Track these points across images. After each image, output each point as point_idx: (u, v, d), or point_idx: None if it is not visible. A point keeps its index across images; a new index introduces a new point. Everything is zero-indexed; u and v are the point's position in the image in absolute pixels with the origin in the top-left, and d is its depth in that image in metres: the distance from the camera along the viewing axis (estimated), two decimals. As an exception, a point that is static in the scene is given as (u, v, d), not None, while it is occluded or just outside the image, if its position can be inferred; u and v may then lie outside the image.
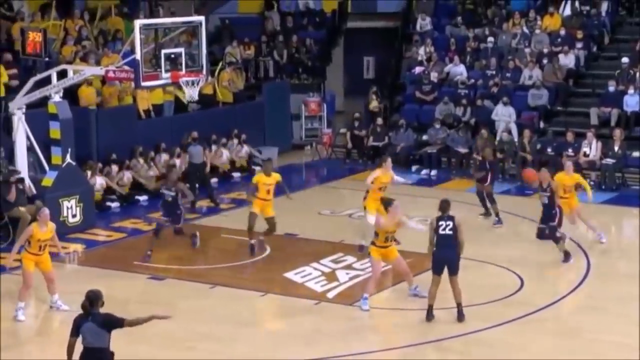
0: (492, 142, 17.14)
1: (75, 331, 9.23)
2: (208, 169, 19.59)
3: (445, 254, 12.37)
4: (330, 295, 13.65)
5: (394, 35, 26.87)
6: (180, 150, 19.82)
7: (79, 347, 9.14)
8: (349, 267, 14.79)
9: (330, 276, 14.38)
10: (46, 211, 12.90)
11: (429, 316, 12.43)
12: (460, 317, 12.41)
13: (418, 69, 24.46)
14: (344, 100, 27.43)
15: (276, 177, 15.29)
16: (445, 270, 12.39)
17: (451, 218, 12.45)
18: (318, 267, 14.74)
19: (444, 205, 12.58)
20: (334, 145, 23.63)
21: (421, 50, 24.86)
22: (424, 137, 22.53)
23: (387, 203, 13.42)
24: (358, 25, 27.32)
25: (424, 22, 25.97)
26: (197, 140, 19.29)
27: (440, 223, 12.42)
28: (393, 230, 13.03)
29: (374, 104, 23.82)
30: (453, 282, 12.42)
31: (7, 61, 19.16)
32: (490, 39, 24.49)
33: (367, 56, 28.38)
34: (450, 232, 12.36)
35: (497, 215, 17.28)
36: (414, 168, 21.86)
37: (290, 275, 14.46)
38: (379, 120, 23.00)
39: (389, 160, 15.74)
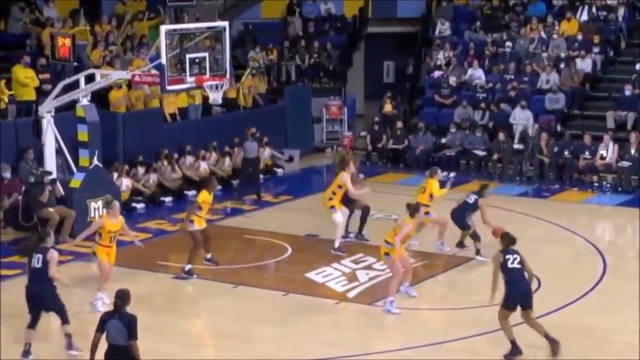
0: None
1: (101, 327, 9.31)
2: (261, 164, 20.18)
3: (521, 288, 11.29)
4: (350, 295, 13.67)
5: (413, 40, 26.87)
6: (236, 145, 20.49)
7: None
8: (369, 267, 14.81)
9: (351, 276, 14.41)
10: (116, 204, 13.27)
11: (515, 351, 11.29)
12: (554, 346, 11.26)
13: (437, 73, 24.44)
14: (364, 104, 27.47)
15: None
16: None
17: (516, 252, 11.51)
18: (338, 267, 14.76)
19: (509, 238, 11.51)
20: (354, 148, 23.63)
21: (440, 55, 24.84)
22: (443, 140, 22.51)
23: (413, 209, 13.17)
24: (378, 30, 27.34)
25: (443, 27, 25.94)
26: (254, 136, 19.49)
27: (508, 257, 11.31)
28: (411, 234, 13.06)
29: (388, 108, 23.81)
30: (528, 317, 11.37)
31: (42, 65, 19.32)
32: (509, 43, 24.43)
33: (387, 60, 28.40)
34: (519, 266, 11.32)
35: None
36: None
37: (311, 275, 14.49)
38: (399, 124, 23.01)
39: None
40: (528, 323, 11.41)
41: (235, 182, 20.28)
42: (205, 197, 14.40)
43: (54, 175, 16.59)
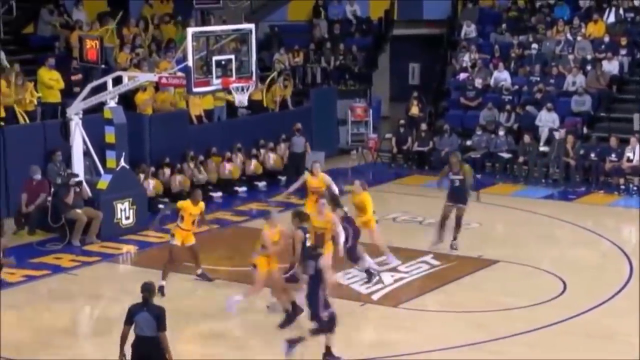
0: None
1: (129, 320, 9.40)
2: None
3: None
4: (375, 297, 13.66)
5: (439, 42, 26.81)
6: (284, 140, 20.94)
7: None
8: (393, 269, 14.77)
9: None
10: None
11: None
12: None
13: (463, 75, 24.38)
14: (389, 106, 27.45)
15: (201, 206, 13.70)
16: None
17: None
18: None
19: (304, 215, 12.56)
20: (379, 150, 23.62)
21: (466, 57, 24.77)
22: (468, 143, 22.45)
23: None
24: (404, 32, 27.31)
25: (469, 29, 25.87)
26: (300, 132, 19.60)
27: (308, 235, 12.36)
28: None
29: (414, 110, 23.77)
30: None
31: (74, 67, 19.46)
32: (535, 45, 24.32)
33: (413, 62, 28.37)
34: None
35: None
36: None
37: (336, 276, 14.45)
38: (424, 126, 22.96)
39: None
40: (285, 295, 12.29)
41: (260, 184, 20.34)
42: (186, 205, 13.46)
43: (81, 177, 16.69)
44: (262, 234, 12.62)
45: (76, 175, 16.55)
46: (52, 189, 16.50)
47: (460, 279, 14.42)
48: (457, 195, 15.58)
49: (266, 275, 12.51)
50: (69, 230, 15.96)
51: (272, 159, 20.95)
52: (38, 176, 16.60)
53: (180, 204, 13.62)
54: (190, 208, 13.49)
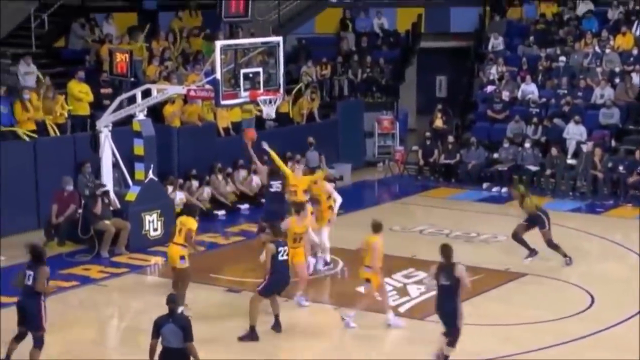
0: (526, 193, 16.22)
1: (156, 332, 9.44)
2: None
3: (283, 278, 12.30)
4: (401, 309, 13.63)
5: (466, 55, 26.75)
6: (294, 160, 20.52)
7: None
8: (420, 282, 14.72)
9: (402, 291, 14.35)
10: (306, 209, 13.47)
11: (252, 336, 12.22)
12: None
13: (490, 88, 24.30)
14: (416, 118, 27.40)
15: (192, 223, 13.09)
16: None
17: (287, 244, 12.43)
18: (390, 281, 14.69)
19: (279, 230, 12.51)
20: (406, 163, 23.57)
21: (493, 70, 24.69)
22: (495, 155, 22.35)
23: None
24: (431, 45, 27.27)
25: (496, 42, 25.80)
26: (313, 146, 19.55)
27: (280, 249, 12.26)
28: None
29: (438, 123, 23.72)
30: (274, 298, 12.50)
31: (104, 80, 19.61)
32: (562, 58, 24.19)
33: (440, 75, 28.32)
34: (287, 257, 12.30)
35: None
36: (484, 185, 21.70)
37: (362, 289, 14.42)
38: (451, 138, 22.90)
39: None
40: (272, 303, 12.46)
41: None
42: (194, 224, 13.02)
43: (110, 188, 16.77)
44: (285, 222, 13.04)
45: (103, 185, 16.66)
46: (82, 201, 16.59)
47: (487, 291, 14.34)
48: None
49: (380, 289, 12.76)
50: (97, 241, 16.06)
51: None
52: (70, 187, 16.72)
53: (191, 223, 13.06)
54: (191, 224, 13.08)
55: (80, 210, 16.55)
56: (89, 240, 16.18)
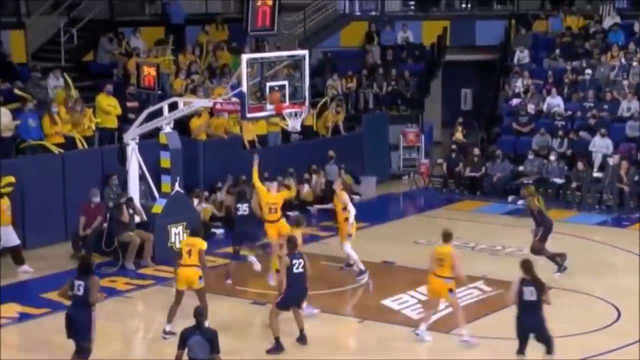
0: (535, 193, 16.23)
1: (182, 344, 9.45)
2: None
3: (298, 291, 12.26)
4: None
5: (491, 68, 26.68)
6: (314, 172, 20.79)
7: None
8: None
9: (427, 304, 14.25)
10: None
11: (278, 347, 12.22)
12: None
13: (515, 101, 24.20)
14: (441, 131, 27.34)
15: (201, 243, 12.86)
16: None
17: (302, 256, 12.26)
18: (415, 294, 14.65)
19: (294, 243, 12.34)
20: (431, 175, 23.51)
21: (519, 83, 24.60)
22: (520, 168, 22.24)
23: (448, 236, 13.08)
24: (456, 58, 27.21)
25: (522, 55, 25.71)
26: (333, 159, 19.53)
27: (294, 262, 12.15)
28: None
29: (459, 136, 23.64)
30: (296, 312, 12.41)
31: (130, 93, 19.73)
32: (588, 71, 24.07)
33: (465, 88, 28.23)
34: (302, 270, 12.18)
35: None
36: (510, 198, 21.58)
37: (387, 302, 14.42)
38: (476, 151, 22.82)
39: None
40: (295, 317, 12.43)
41: (312, 208, 20.36)
42: (203, 244, 12.81)
43: (137, 201, 16.83)
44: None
45: (125, 194, 16.72)
46: (108, 214, 16.66)
47: (512, 305, 14.22)
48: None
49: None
50: (122, 253, 16.11)
51: (324, 184, 20.95)
52: (97, 199, 16.78)
53: (203, 244, 12.86)
54: (200, 244, 12.81)
55: (105, 224, 16.60)
56: (113, 252, 16.23)
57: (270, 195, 15.30)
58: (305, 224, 14.25)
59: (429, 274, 12.80)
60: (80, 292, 10.74)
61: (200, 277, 12.72)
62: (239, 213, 15.15)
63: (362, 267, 15.53)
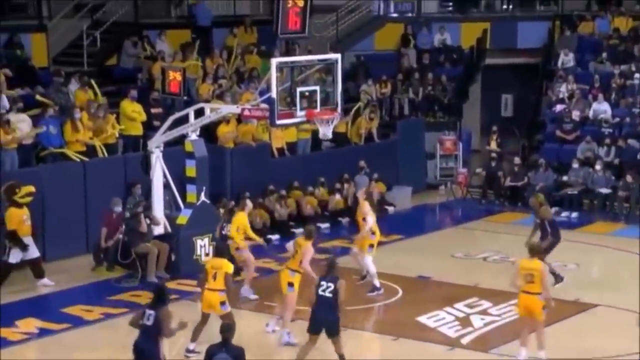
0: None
1: None
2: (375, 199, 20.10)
3: (322, 315, 12.10)
4: (464, 341, 13.53)
5: (534, 72, 26.54)
6: (345, 181, 20.72)
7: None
8: (484, 312, 14.61)
9: (465, 321, 14.23)
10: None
11: None
12: None
13: (559, 107, 24.05)
14: (480, 139, 27.20)
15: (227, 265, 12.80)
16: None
17: (335, 279, 12.08)
18: (452, 311, 14.60)
19: (330, 265, 12.28)
20: (469, 185, 23.41)
21: (563, 88, 24.45)
22: (564, 178, 22.08)
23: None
24: (497, 62, 27.10)
25: (566, 58, 25.55)
26: (364, 170, 19.48)
27: (322, 283, 12.08)
28: None
29: (493, 145, 23.53)
30: (335, 342, 12.18)
31: (154, 99, 19.86)
32: (637, 75, 23.87)
33: (506, 93, 28.11)
34: (330, 295, 11.99)
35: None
36: (553, 210, 21.38)
37: (422, 319, 14.36)
38: (517, 160, 22.69)
39: None
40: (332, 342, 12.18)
41: (344, 220, 20.37)
42: (229, 267, 12.78)
43: (161, 212, 16.91)
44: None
45: (142, 202, 16.78)
46: (123, 223, 16.70)
47: (555, 323, 14.12)
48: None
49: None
50: (139, 264, 16.14)
51: (354, 195, 20.89)
52: (119, 209, 16.88)
53: (229, 266, 12.78)
54: (227, 266, 12.74)
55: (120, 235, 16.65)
56: (131, 265, 16.28)
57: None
58: (316, 235, 14.21)
59: (520, 292, 12.59)
60: (150, 322, 10.59)
61: (223, 303, 12.59)
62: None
63: (378, 283, 15.54)
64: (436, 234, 19.92)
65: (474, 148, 26.43)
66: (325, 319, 12.10)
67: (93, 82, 19.94)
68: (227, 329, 9.74)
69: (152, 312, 10.63)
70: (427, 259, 17.34)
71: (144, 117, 19.38)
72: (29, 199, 15.94)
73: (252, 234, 15.67)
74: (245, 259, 15.40)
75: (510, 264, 17.19)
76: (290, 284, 13.34)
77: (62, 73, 20.19)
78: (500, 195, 22.61)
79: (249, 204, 16.02)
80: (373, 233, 15.61)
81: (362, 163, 20.25)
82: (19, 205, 15.73)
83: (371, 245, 15.55)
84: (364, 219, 15.60)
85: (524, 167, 22.71)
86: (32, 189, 16.03)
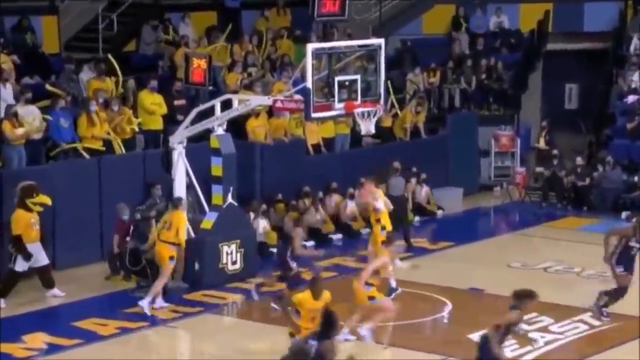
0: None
1: None
2: (410, 204, 20.23)
3: None
4: (523, 362, 13.43)
5: (602, 58, 26.36)
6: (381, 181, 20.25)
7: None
8: (544, 329, 14.53)
9: (523, 340, 14.07)
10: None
11: None
12: None
13: (631, 98, 23.91)
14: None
15: (326, 298, 12.43)
16: None
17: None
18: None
19: None
20: (528, 187, 23.29)
21: (635, 76, 24.31)
22: (636, 179, 21.94)
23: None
24: (560, 47, 26.98)
25: (639, 43, 25.34)
26: (399, 172, 19.44)
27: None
28: None
29: (541, 143, 23.40)
30: None
31: (177, 90, 19.91)
32: None
33: (570, 83, 27.94)
34: None
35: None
36: (623, 215, 21.19)
37: (475, 336, 14.19)
38: (579, 160, 22.52)
39: None
40: None
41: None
42: (304, 299, 12.22)
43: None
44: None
45: (153, 207, 16.82)
46: (132, 227, 16.74)
47: (625, 343, 14.01)
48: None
49: None
50: (150, 272, 16.12)
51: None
52: (126, 216, 16.88)
53: (298, 298, 12.38)
54: (310, 303, 12.22)
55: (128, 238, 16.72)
56: (141, 272, 16.30)
57: None
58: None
59: None
60: (311, 354, 10.37)
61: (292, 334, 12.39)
62: None
63: (394, 284, 15.78)
64: (490, 241, 19.82)
65: (533, 145, 26.24)
66: None
67: (116, 65, 19.81)
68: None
69: (314, 342, 10.50)
70: (480, 269, 17.26)
71: (164, 109, 19.44)
72: (40, 208, 15.96)
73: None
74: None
75: (575, 275, 17.07)
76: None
77: (74, 60, 20.31)
78: (563, 197, 22.49)
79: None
80: (383, 228, 15.79)
81: (396, 164, 19.80)
82: (29, 209, 15.80)
83: (383, 242, 15.58)
84: (377, 220, 15.96)
85: (590, 166, 22.55)
86: (49, 201, 16.05)
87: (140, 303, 14.96)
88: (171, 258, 15.30)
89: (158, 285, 15.21)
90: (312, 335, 10.64)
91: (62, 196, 17.28)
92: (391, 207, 16.63)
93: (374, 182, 16.66)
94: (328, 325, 10.60)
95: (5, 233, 16.06)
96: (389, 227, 15.99)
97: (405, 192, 20.22)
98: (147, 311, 14.84)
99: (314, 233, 19.42)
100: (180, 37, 22.73)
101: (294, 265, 15.33)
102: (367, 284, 13.62)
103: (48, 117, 17.87)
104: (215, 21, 24.26)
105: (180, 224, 15.53)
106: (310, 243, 19.19)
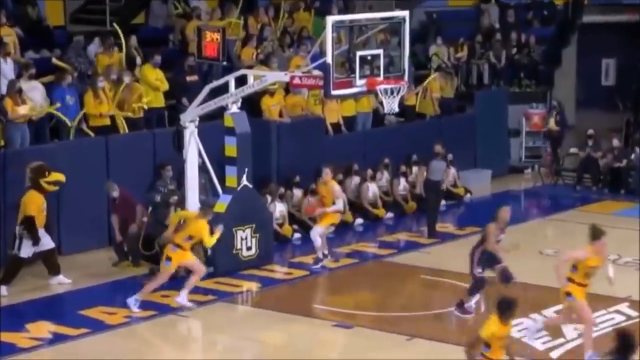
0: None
1: None
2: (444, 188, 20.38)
3: None
4: (554, 354, 13.52)
5: (641, 32, 26.30)
6: (415, 163, 20.70)
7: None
8: (577, 320, 14.44)
9: (555, 331, 14.13)
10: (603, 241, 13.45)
11: None
12: None
13: (672, 74, 23.81)
14: (575, 113, 26.98)
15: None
16: None
17: None
18: (539, 319, 14.47)
19: None
20: (561, 170, 23.23)
21: (677, 51, 24.18)
22: (678, 161, 21.92)
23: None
24: (597, 20, 26.90)
25: (681, 15, 25.26)
26: (440, 155, 19.41)
27: None
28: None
29: (552, 124, 23.35)
30: None
31: (190, 65, 19.88)
32: None
33: (607, 58, 27.89)
34: None
35: None
36: (662, 200, 21.21)
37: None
38: (616, 142, 22.46)
39: None
40: None
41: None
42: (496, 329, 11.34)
43: (195, 197, 16.95)
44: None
45: (176, 192, 16.86)
46: (149, 208, 16.78)
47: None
48: None
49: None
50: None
51: (401, 185, 20.77)
52: (116, 194, 16.83)
53: (489, 331, 11.34)
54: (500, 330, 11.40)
55: (145, 219, 16.75)
56: (153, 258, 16.35)
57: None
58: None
59: None
60: None
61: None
62: None
63: (321, 254, 16.86)
64: (521, 227, 19.71)
65: (567, 124, 26.19)
66: None
67: (122, 37, 19.73)
68: None
69: None
70: (510, 256, 17.15)
71: (166, 86, 19.43)
72: (55, 187, 16.00)
73: None
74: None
75: (610, 263, 17.01)
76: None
77: (80, 33, 20.32)
78: (598, 180, 22.46)
79: None
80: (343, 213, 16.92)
81: (438, 147, 19.56)
82: (42, 190, 15.83)
83: (333, 224, 16.80)
84: (333, 202, 16.77)
85: (629, 147, 22.50)
86: (63, 178, 16.08)
87: (178, 300, 14.75)
88: (168, 259, 14.84)
89: (193, 280, 14.91)
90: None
91: (68, 177, 17.16)
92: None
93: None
94: (626, 346, 10.12)
95: (11, 216, 16.06)
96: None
97: (444, 176, 20.06)
98: (187, 304, 14.72)
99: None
100: (192, 9, 22.73)
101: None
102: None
103: (56, 106, 17.83)
104: (229, -9, 24.22)
105: (198, 234, 14.94)
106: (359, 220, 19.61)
